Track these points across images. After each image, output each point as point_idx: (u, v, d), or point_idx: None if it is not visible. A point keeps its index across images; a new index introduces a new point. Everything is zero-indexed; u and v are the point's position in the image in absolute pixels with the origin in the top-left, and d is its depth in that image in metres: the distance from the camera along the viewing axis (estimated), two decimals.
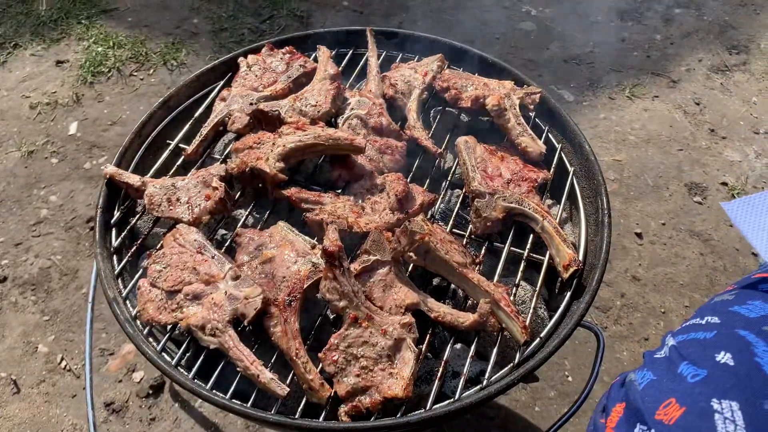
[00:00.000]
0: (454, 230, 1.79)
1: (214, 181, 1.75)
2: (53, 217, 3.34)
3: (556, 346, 1.51)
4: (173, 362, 1.53)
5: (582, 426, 2.45)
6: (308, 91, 2.05)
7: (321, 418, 1.42)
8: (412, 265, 1.67)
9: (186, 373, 1.51)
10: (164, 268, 1.60)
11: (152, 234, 1.83)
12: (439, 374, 1.49)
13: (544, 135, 2.05)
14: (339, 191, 1.80)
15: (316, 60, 2.22)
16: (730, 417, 0.88)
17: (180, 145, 2.04)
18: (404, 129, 2.01)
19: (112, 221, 1.83)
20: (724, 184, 3.51)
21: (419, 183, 1.85)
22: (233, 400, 1.45)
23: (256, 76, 2.14)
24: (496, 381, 1.49)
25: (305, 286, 1.52)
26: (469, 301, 1.64)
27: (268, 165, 1.71)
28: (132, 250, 1.77)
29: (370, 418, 1.41)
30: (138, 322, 1.61)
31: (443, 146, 1.99)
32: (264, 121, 1.92)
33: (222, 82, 2.22)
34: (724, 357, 0.97)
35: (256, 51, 2.25)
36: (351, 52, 2.35)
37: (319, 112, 1.96)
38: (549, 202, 1.96)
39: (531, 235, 1.76)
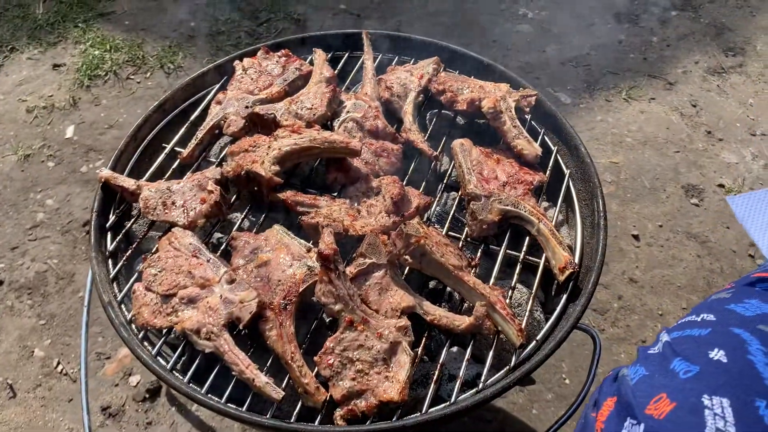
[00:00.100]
0: (450, 233, 1.79)
1: (209, 184, 1.75)
2: (50, 220, 3.33)
3: (552, 349, 1.51)
4: (168, 366, 1.53)
5: None
6: (304, 94, 2.05)
7: (317, 422, 1.42)
8: (407, 268, 1.66)
9: (181, 378, 1.51)
10: (159, 271, 1.59)
11: (147, 237, 1.83)
12: (435, 377, 1.49)
13: (540, 137, 2.05)
14: (335, 194, 1.80)
15: (312, 63, 2.22)
16: (720, 413, 0.88)
17: (175, 148, 2.04)
18: (400, 132, 2.01)
19: (108, 225, 1.83)
20: (721, 185, 3.51)
21: (415, 186, 1.85)
22: (228, 404, 1.45)
23: (252, 79, 2.14)
24: (493, 384, 1.49)
25: (301, 289, 1.52)
26: (465, 304, 1.64)
27: (263, 168, 1.71)
28: (127, 253, 1.76)
29: (365, 421, 1.41)
30: (133, 326, 1.61)
31: (439, 149, 2.00)
32: (260, 125, 1.92)
33: (218, 86, 2.21)
34: (717, 354, 0.97)
35: (251, 54, 2.25)
36: (347, 55, 2.35)
37: (314, 115, 1.96)
38: (545, 204, 1.96)
39: (527, 238, 1.76)
